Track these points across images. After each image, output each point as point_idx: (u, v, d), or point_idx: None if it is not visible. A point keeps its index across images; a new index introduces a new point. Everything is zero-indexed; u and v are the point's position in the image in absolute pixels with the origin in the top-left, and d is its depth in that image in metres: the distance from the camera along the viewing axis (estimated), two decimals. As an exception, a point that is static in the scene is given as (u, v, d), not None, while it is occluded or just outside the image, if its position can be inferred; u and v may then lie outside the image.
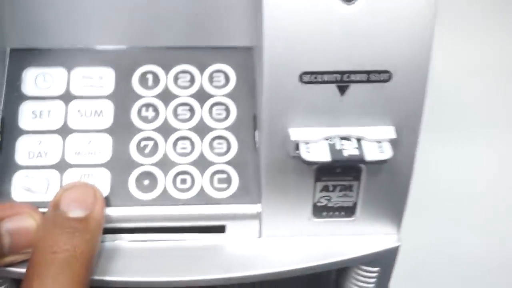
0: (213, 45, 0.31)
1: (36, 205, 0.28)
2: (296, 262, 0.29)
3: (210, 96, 0.31)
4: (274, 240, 0.30)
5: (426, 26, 0.25)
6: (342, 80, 0.25)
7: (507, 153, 0.70)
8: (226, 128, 0.30)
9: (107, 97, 0.31)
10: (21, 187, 0.29)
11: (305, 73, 0.25)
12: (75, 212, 0.27)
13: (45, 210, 0.28)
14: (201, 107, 0.31)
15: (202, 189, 0.29)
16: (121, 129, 0.30)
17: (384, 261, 0.31)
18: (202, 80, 0.31)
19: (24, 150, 0.29)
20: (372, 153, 0.26)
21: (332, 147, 0.26)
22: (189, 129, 0.30)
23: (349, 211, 0.29)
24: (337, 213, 0.29)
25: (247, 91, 0.31)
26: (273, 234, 0.30)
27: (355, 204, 0.29)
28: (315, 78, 0.25)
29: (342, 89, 0.25)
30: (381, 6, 0.24)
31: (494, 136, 0.71)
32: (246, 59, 0.31)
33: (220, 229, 0.30)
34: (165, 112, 0.30)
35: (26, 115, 0.30)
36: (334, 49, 0.25)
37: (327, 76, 0.25)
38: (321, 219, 0.29)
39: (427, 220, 0.64)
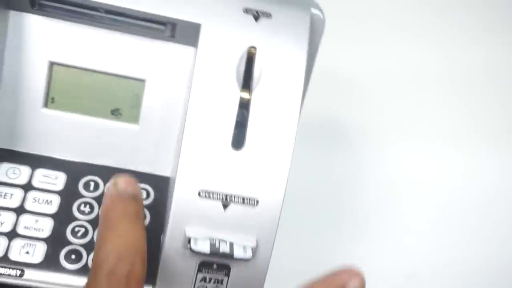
0: (142, 171, 0.44)
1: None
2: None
3: (133, 204, 0.42)
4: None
5: (283, 173, 0.38)
6: (226, 200, 0.38)
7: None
8: (141, 229, 0.41)
9: (57, 192, 0.42)
10: (-22, 245, 0.38)
11: (202, 190, 0.38)
12: None
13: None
14: (125, 211, 0.42)
15: (114, 269, 0.39)
16: (63, 216, 0.41)
17: None
18: (129, 192, 0.43)
19: (-14, 218, 0.39)
20: (238, 253, 0.37)
21: (212, 245, 0.37)
22: (113, 225, 0.41)
23: (218, 300, 0.40)
24: (209, 300, 0.40)
25: (161, 205, 0.43)
26: (160, 311, 0.40)
27: (222, 296, 0.40)
28: (208, 195, 0.38)
29: (225, 206, 0.38)
30: (257, 156, 0.38)
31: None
32: (163, 183, 0.44)
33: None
34: (98, 210, 0.41)
35: (-6, 195, 0.40)
36: (223, 178, 0.38)
37: (215, 195, 0.38)
38: (197, 303, 0.40)
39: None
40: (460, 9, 0.79)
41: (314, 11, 0.42)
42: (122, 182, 0.36)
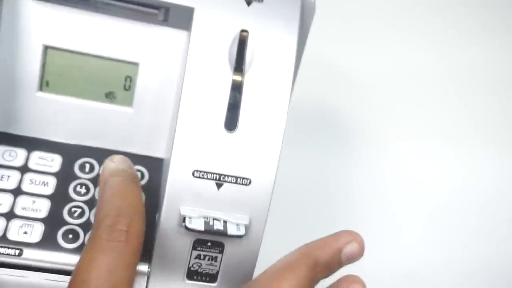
0: (136, 153, 0.45)
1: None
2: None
3: (128, 185, 0.43)
4: (156, 293, 0.41)
5: (275, 153, 0.40)
6: (219, 179, 0.39)
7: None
8: (136, 209, 0.42)
9: (54, 174, 0.42)
10: (-24, 225, 0.39)
11: (196, 170, 0.39)
12: None
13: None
14: (120, 192, 0.43)
15: (110, 247, 0.40)
16: (59, 197, 0.41)
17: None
18: (124, 174, 0.44)
19: (-16, 200, 0.40)
20: (232, 230, 0.39)
21: (206, 222, 0.39)
22: (109, 205, 0.42)
23: (212, 278, 0.41)
24: (204, 278, 0.41)
25: (155, 186, 0.44)
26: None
27: (217, 273, 0.41)
28: (202, 175, 0.39)
29: (219, 185, 0.39)
30: (250, 137, 0.39)
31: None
32: (157, 164, 0.45)
33: (118, 280, 0.40)
34: (94, 191, 0.42)
35: (-9, 177, 0.41)
36: (216, 159, 0.39)
37: (209, 175, 0.39)
38: (191, 281, 0.41)
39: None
40: (459, 8, 0.79)
41: (305, -5, 0.43)
42: (118, 157, 0.39)
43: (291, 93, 0.41)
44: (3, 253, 0.39)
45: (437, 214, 0.76)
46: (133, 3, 0.41)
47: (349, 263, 0.39)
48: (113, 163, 0.39)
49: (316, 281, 0.38)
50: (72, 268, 0.39)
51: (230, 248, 0.40)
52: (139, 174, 0.44)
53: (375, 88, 0.77)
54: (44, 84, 0.43)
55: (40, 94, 0.43)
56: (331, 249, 0.38)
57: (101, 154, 0.44)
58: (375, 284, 0.74)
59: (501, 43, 0.81)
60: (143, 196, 0.42)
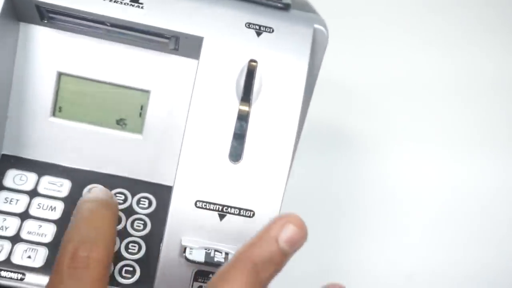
0: (145, 180, 0.45)
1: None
2: None
3: (135, 213, 0.43)
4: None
5: (280, 186, 0.39)
6: (222, 210, 0.38)
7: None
8: (140, 237, 0.42)
9: (62, 199, 0.43)
10: (-19, 247, 0.39)
11: (199, 201, 0.38)
12: None
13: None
14: (127, 219, 0.43)
15: (113, 275, 0.40)
16: (66, 222, 0.41)
17: None
18: (132, 201, 0.44)
19: (-9, 222, 0.41)
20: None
21: (207, 254, 0.38)
22: (114, 232, 0.42)
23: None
24: (205, 309, 0.40)
25: (162, 215, 0.43)
26: (156, 316, 0.40)
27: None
28: (205, 205, 0.38)
29: (221, 217, 0.38)
30: (255, 169, 0.39)
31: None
32: (165, 192, 0.44)
33: (119, 307, 0.40)
34: (100, 217, 0.42)
35: (0, 200, 0.42)
36: (220, 190, 0.38)
37: (212, 206, 0.38)
38: (192, 312, 0.40)
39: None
40: (461, 9, 0.79)
41: (317, 26, 0.42)
42: (96, 188, 0.39)
43: (301, 122, 0.40)
44: (6, 277, 0.39)
45: (438, 215, 0.75)
46: (144, 33, 0.41)
47: (295, 248, 0.33)
48: (90, 193, 0.38)
49: (264, 281, 0.33)
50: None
51: (232, 280, 0.39)
52: (146, 201, 0.44)
53: (375, 91, 0.77)
54: (57, 110, 0.44)
55: (53, 119, 0.44)
56: (265, 242, 0.33)
57: (110, 180, 0.44)
58: (376, 285, 0.72)
59: (503, 44, 0.80)
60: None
